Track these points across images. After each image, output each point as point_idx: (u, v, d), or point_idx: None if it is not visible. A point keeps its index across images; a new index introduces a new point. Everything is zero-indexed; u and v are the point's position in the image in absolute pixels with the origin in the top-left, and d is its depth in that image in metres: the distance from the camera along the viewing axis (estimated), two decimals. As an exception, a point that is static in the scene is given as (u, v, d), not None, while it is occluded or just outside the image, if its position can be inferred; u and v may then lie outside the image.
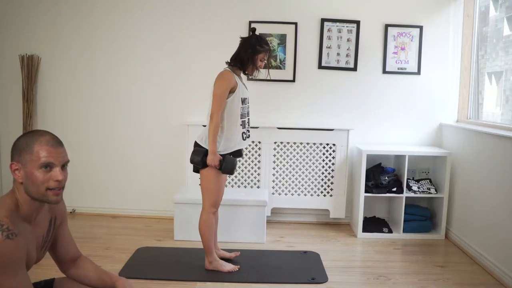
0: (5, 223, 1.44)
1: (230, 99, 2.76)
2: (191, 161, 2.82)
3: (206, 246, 2.91)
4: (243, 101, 2.83)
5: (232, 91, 2.76)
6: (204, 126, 2.86)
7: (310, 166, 3.92)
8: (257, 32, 2.99)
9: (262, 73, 2.95)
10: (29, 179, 1.51)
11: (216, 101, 2.71)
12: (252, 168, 3.92)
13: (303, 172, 3.92)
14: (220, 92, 2.72)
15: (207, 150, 2.76)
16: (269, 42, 3.58)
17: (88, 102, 4.05)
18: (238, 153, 2.90)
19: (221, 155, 2.77)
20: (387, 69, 3.96)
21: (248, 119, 2.93)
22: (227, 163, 2.76)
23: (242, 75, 2.91)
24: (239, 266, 2.98)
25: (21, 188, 1.53)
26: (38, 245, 1.64)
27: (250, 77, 2.95)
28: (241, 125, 2.83)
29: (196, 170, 2.91)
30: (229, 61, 2.87)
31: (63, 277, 1.82)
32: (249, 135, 2.94)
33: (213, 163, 2.73)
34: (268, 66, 2.94)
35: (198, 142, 2.84)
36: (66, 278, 1.82)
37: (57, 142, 1.56)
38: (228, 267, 2.93)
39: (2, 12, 3.98)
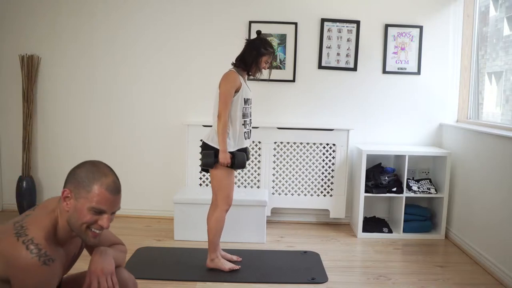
0: (43, 247, 1.41)
1: (235, 98, 2.81)
2: (204, 165, 2.86)
3: (212, 243, 2.94)
4: (246, 101, 2.89)
5: (236, 91, 2.81)
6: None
7: (310, 166, 3.92)
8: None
9: (264, 74, 3.01)
10: (76, 213, 1.47)
11: (223, 100, 2.77)
12: (252, 168, 3.92)
13: (303, 172, 3.92)
14: (227, 92, 2.78)
15: (215, 151, 2.81)
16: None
17: (88, 102, 4.05)
18: (244, 152, 2.93)
19: (229, 152, 2.82)
20: (387, 69, 3.96)
21: (250, 119, 2.97)
22: (238, 159, 2.83)
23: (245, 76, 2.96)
24: (239, 267, 2.98)
25: (65, 216, 1.50)
26: (67, 263, 1.63)
27: (251, 77, 2.99)
28: (243, 124, 2.87)
29: (205, 169, 2.96)
30: (234, 62, 2.93)
31: (68, 276, 1.81)
32: (250, 135, 2.99)
33: (226, 161, 2.79)
34: (271, 68, 2.99)
35: (206, 141, 2.88)
36: (72, 276, 1.80)
37: (116, 189, 1.53)
38: (229, 265, 2.95)
39: (2, 12, 3.98)
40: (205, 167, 2.88)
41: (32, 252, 1.38)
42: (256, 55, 2.86)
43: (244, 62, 2.88)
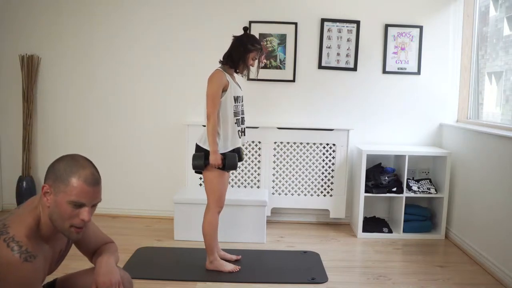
0: (24, 244, 1.41)
1: (223, 98, 2.78)
2: (194, 167, 2.82)
3: (209, 245, 2.92)
4: (236, 99, 2.85)
5: (224, 90, 2.78)
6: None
7: (310, 166, 3.91)
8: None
9: (252, 71, 2.97)
10: (57, 208, 1.46)
11: (210, 101, 2.75)
12: (252, 168, 3.92)
13: (303, 172, 3.92)
14: (213, 92, 2.75)
15: (206, 152, 2.79)
16: (264, 41, 3.58)
17: (88, 102, 4.05)
18: (237, 153, 2.91)
19: (220, 154, 2.79)
20: (387, 69, 3.96)
21: (243, 117, 2.94)
22: (229, 160, 2.80)
23: (235, 74, 2.93)
24: (240, 267, 2.98)
25: (46, 212, 1.48)
26: (54, 260, 1.62)
27: (243, 76, 2.97)
28: (235, 123, 2.85)
29: (198, 171, 2.94)
30: (221, 59, 2.90)
31: (64, 276, 1.82)
32: (244, 133, 2.97)
33: (216, 163, 2.75)
34: (259, 65, 2.96)
35: (198, 143, 2.87)
36: (67, 276, 1.81)
37: (95, 181, 1.50)
38: (229, 267, 2.94)
39: (2, 12, 3.98)
40: (196, 169, 2.84)
41: (13, 250, 1.39)
42: (243, 52, 2.81)
43: (231, 59, 2.84)
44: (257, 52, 2.86)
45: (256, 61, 2.91)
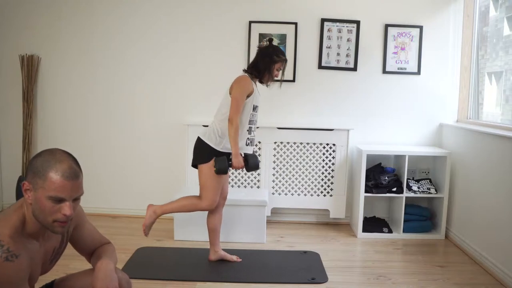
0: (5, 243, 1.39)
1: (244, 103, 2.80)
2: (219, 172, 2.78)
3: (170, 211, 3.00)
4: (254, 108, 2.89)
5: (248, 96, 2.81)
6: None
7: (310, 166, 3.92)
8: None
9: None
10: (38, 205, 1.44)
11: (235, 104, 2.75)
12: (252, 168, 3.92)
13: (303, 172, 3.92)
14: (239, 96, 2.76)
15: (227, 154, 2.80)
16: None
17: (88, 102, 4.05)
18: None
19: (228, 153, 2.81)
20: (387, 69, 3.96)
21: (255, 127, 2.97)
22: (251, 161, 2.82)
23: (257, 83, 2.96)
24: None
25: (30, 208, 1.47)
26: (47, 258, 1.62)
27: (267, 86, 3.00)
28: (247, 130, 2.87)
29: (194, 165, 2.96)
30: (246, 69, 2.93)
31: (62, 277, 1.82)
32: (252, 142, 2.97)
33: (240, 165, 2.78)
34: (283, 75, 2.99)
35: (202, 138, 2.88)
36: (65, 277, 1.81)
37: (73, 174, 1.45)
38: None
39: (2, 12, 3.98)
40: (220, 174, 2.81)
41: None
42: (268, 62, 2.86)
43: (256, 69, 2.88)
44: (281, 63, 2.91)
45: (281, 72, 2.94)
